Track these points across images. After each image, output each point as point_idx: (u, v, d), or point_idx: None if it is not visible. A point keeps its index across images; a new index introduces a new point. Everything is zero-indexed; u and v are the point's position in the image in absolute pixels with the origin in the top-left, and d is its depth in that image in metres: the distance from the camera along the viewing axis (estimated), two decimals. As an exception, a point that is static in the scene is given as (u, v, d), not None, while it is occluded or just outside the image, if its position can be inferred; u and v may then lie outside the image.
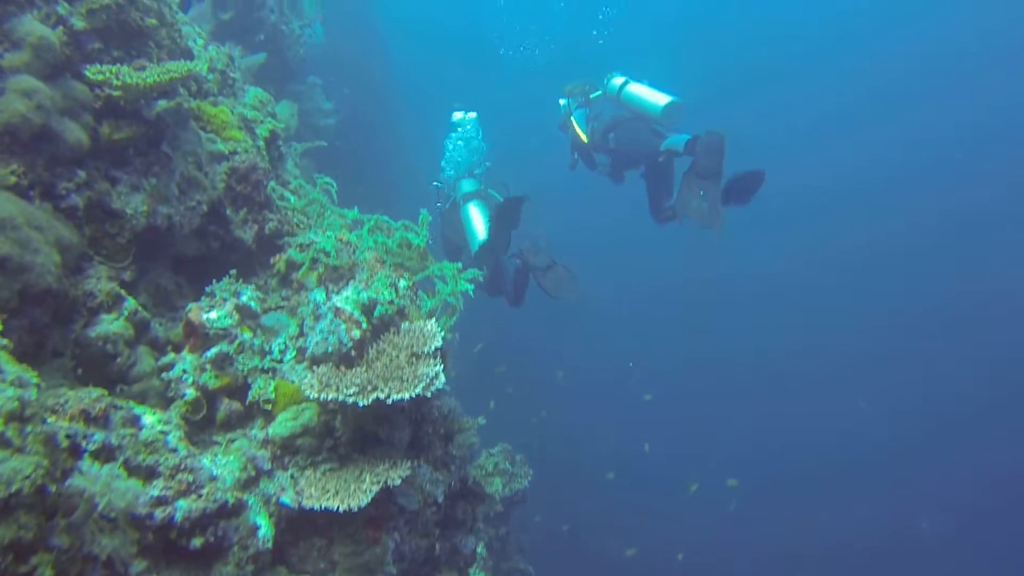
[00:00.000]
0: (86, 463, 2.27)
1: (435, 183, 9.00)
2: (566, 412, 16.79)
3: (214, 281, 3.40)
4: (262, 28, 8.04)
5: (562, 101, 8.16)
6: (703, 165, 6.35)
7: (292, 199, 4.45)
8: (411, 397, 2.93)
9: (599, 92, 7.91)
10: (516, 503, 9.91)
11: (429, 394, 2.99)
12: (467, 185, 8.08)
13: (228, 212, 3.87)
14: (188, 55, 4.23)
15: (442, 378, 3.06)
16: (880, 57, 27.45)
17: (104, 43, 3.48)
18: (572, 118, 7.89)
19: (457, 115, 9.28)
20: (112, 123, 3.31)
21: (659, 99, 7.05)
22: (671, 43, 25.09)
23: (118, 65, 3.28)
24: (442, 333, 3.26)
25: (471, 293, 3.71)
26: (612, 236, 23.33)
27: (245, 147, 4.10)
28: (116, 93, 3.31)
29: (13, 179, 2.89)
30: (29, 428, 1.76)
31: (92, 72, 3.19)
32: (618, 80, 7.49)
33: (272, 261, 3.85)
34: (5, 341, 2.10)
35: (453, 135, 9.04)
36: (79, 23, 3.36)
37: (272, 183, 4.03)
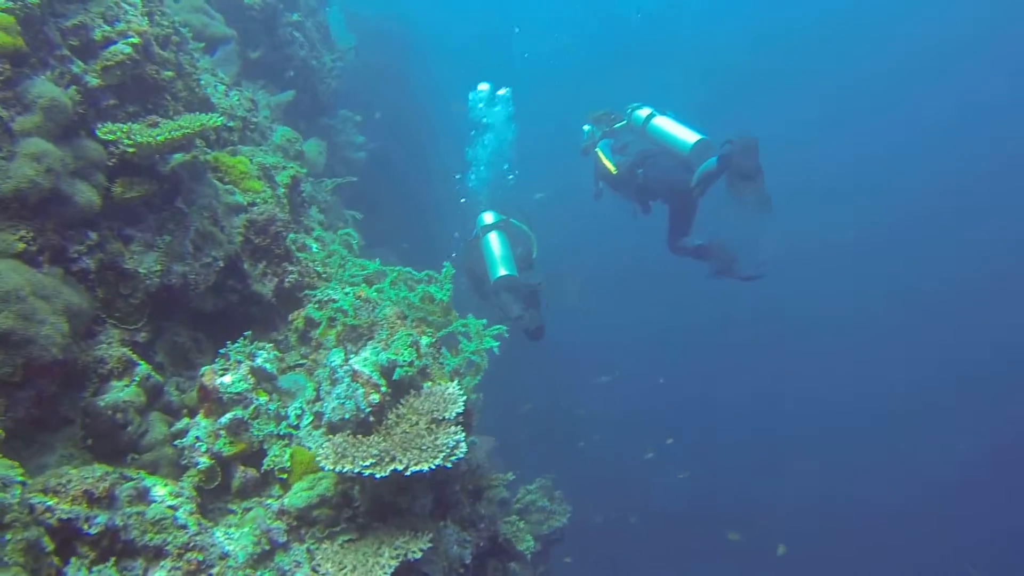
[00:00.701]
0: (72, 569, 2.18)
1: (461, 199, 9.28)
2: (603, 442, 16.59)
3: (228, 344, 3.32)
4: (291, 64, 8.08)
5: (586, 127, 8.22)
6: (744, 166, 6.44)
7: (315, 247, 4.40)
8: (431, 469, 2.81)
9: (623, 122, 7.89)
10: (554, 541, 9.69)
11: (449, 464, 2.86)
12: (488, 218, 8.14)
13: (246, 266, 3.82)
14: (207, 104, 4.21)
15: (463, 447, 2.93)
16: (870, 53, 28.16)
17: (119, 99, 3.46)
18: (598, 149, 7.88)
19: (482, 87, 9.57)
20: (124, 182, 3.28)
21: (687, 136, 7.08)
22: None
23: (129, 124, 3.26)
24: (463, 396, 3.14)
25: (496, 350, 3.59)
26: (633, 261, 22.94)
27: (264, 197, 4.05)
28: (129, 150, 3.28)
29: (21, 245, 2.86)
30: (8, 536, 1.67)
31: (103, 132, 3.17)
32: (643, 112, 7.48)
33: (291, 318, 3.78)
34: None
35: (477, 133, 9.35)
36: (94, 80, 3.35)
37: (291, 235, 3.96)
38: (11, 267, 2.70)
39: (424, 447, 2.90)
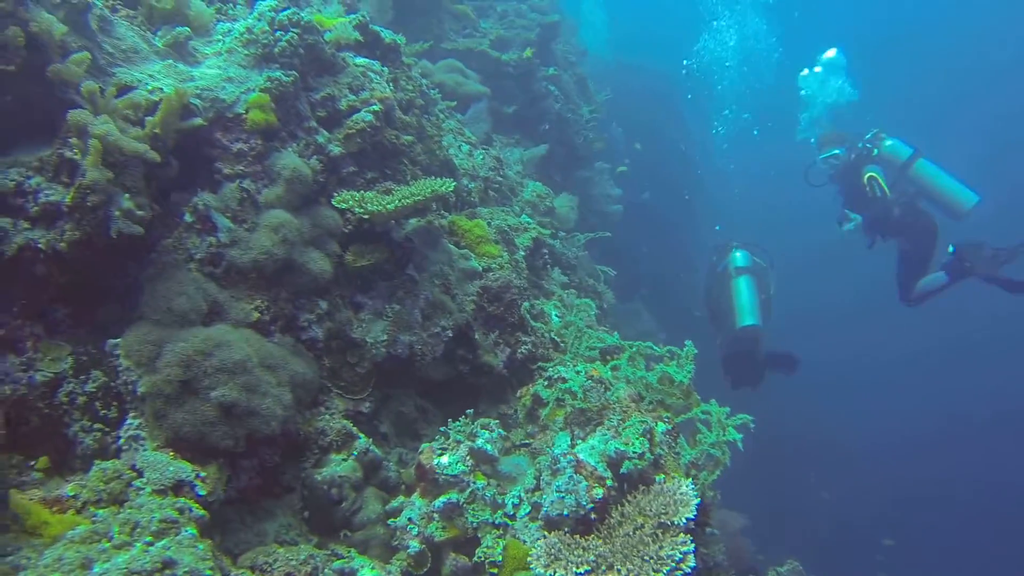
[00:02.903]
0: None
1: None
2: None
3: (450, 421, 3.29)
4: (546, 117, 8.28)
5: (837, 151, 8.20)
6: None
7: (555, 314, 4.32)
8: (652, 586, 2.53)
9: (875, 151, 8.02)
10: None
11: (676, 582, 2.56)
12: (741, 259, 8.49)
13: (477, 336, 3.81)
14: (448, 166, 4.33)
15: (691, 561, 2.61)
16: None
17: (359, 165, 3.64)
18: (874, 173, 7.70)
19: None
20: (356, 250, 3.41)
21: (966, 197, 7.47)
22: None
23: (363, 192, 3.39)
24: (697, 498, 2.82)
25: (740, 445, 3.23)
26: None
27: (500, 263, 4.05)
28: (367, 217, 3.41)
29: (256, 315, 3.05)
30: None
31: (338, 201, 3.33)
32: (890, 143, 7.83)
33: (520, 393, 3.69)
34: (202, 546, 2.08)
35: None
36: (336, 149, 3.55)
37: (527, 304, 3.90)
38: (243, 337, 2.87)
39: (647, 557, 2.62)
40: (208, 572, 1.96)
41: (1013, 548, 17.02)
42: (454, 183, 3.55)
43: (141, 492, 2.24)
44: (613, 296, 7.36)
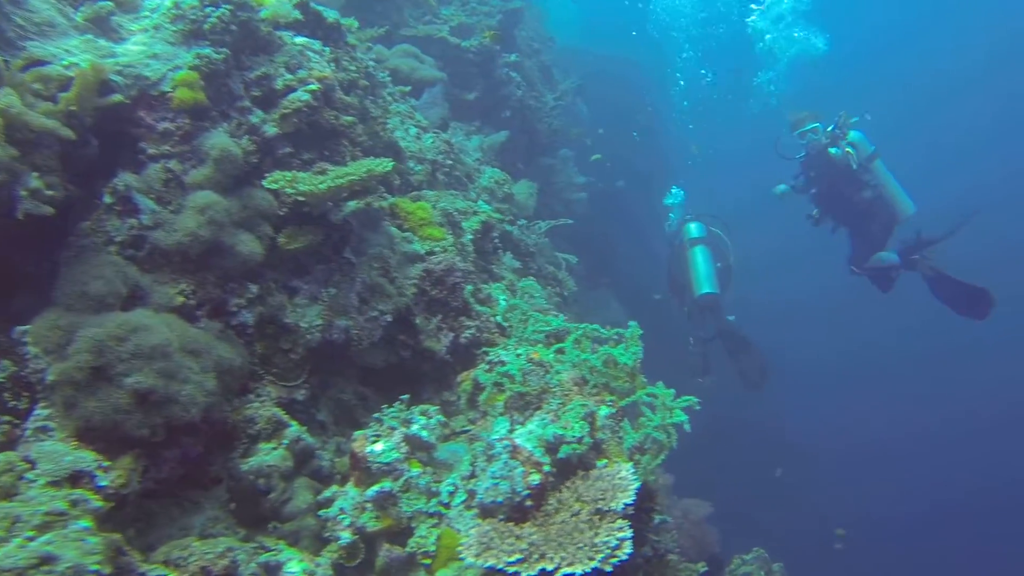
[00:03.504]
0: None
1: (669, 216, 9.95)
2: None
3: (384, 407, 3.19)
4: (508, 104, 8.17)
5: (816, 124, 8.31)
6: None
7: (503, 298, 4.22)
8: (584, 574, 2.45)
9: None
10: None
11: (609, 568, 2.48)
12: (695, 229, 8.83)
13: (418, 320, 3.71)
14: (392, 148, 4.22)
15: (627, 548, 2.53)
16: None
17: (295, 147, 3.52)
18: (849, 148, 7.98)
19: None
20: (289, 232, 3.30)
21: (908, 205, 8.05)
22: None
23: (295, 172, 3.27)
24: (637, 482, 2.74)
25: (687, 427, 3.15)
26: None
27: (444, 246, 3.95)
28: (301, 199, 3.29)
29: (181, 299, 2.94)
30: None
31: (269, 181, 3.21)
32: (859, 139, 8.05)
33: (459, 379, 3.60)
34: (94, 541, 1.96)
35: None
36: (271, 129, 3.43)
37: (470, 287, 3.80)
38: (164, 322, 2.75)
39: (581, 544, 2.54)
40: (94, 567, 1.84)
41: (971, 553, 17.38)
42: (392, 163, 3.44)
43: (33, 484, 2.11)
44: (574, 283, 7.28)
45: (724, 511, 9.38)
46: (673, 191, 10.12)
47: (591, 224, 11.84)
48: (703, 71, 15.27)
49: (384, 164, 3.42)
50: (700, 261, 8.53)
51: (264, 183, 3.21)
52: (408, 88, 5.96)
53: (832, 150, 7.79)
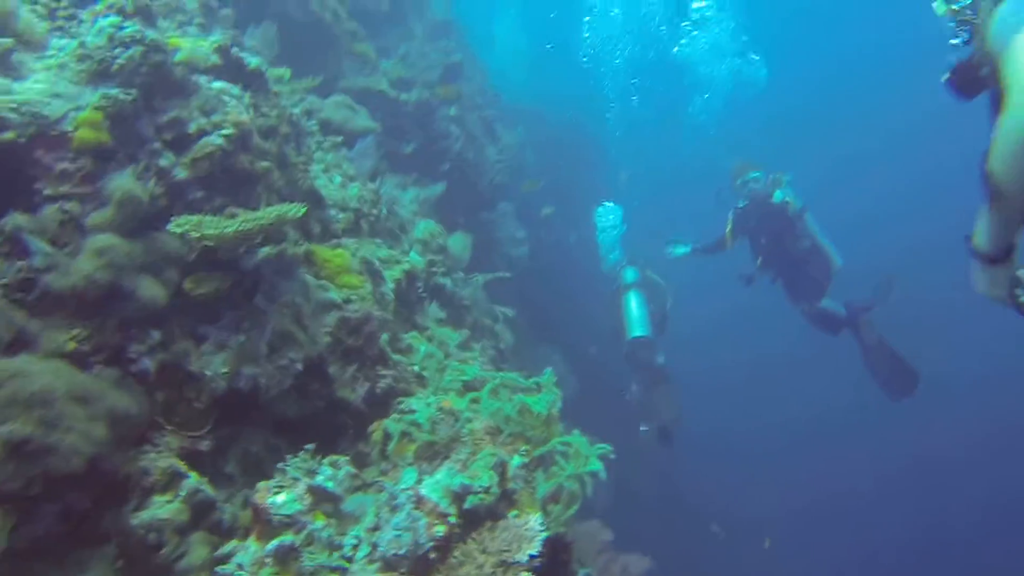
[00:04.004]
0: None
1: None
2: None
3: (289, 457, 3.07)
4: (446, 157, 8.19)
5: (757, 174, 8.57)
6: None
7: (424, 348, 4.14)
8: (484, 630, 2.34)
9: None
10: None
11: (512, 624, 2.38)
12: (630, 275, 9.13)
13: (332, 369, 3.61)
14: (312, 195, 4.17)
15: (531, 602, 2.44)
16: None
17: (207, 191, 3.44)
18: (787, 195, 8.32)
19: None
20: (196, 277, 3.20)
21: (837, 258, 8.36)
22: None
23: (202, 216, 3.18)
24: (543, 533, 2.66)
25: (603, 475, 3.09)
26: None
27: (362, 294, 3.88)
28: (209, 243, 3.20)
29: (72, 345, 2.80)
30: None
31: (174, 225, 3.11)
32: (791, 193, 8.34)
33: (371, 429, 3.49)
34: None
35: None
36: (182, 173, 3.35)
37: (385, 336, 3.72)
38: (50, 369, 2.62)
39: (482, 600, 2.44)
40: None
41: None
42: (304, 208, 3.37)
43: None
44: (512, 337, 7.23)
45: (665, 566, 9.28)
46: (605, 208, 10.41)
47: (539, 279, 11.88)
48: (633, 97, 15.58)
49: (296, 209, 3.35)
50: (633, 305, 8.70)
51: (169, 227, 3.11)
52: (340, 139, 5.93)
53: (777, 194, 7.98)
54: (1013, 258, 2.49)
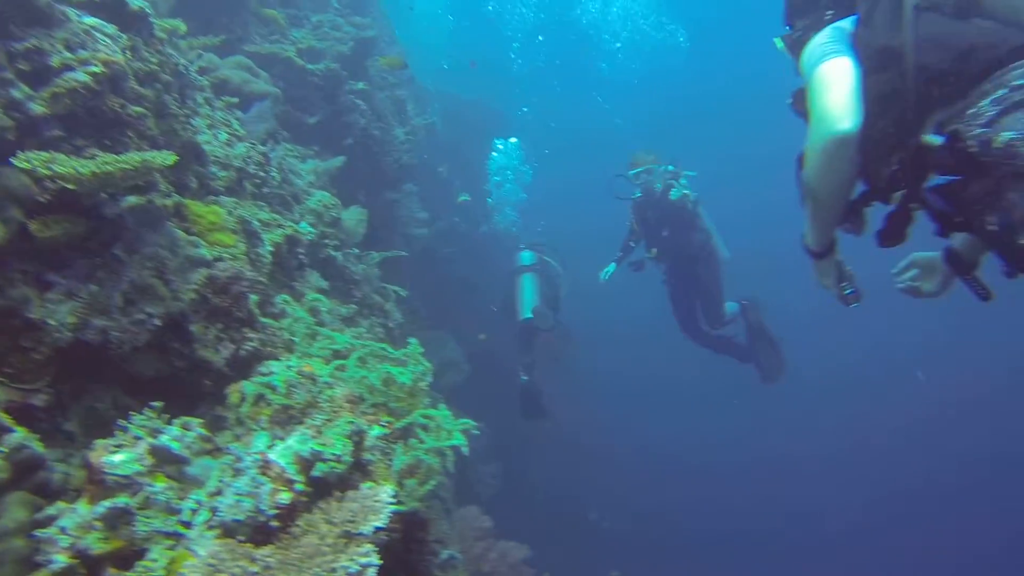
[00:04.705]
0: None
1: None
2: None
3: (132, 414, 2.86)
4: (351, 132, 7.95)
5: (651, 167, 8.65)
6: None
7: (300, 313, 3.96)
8: (316, 600, 2.21)
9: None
10: None
11: (348, 596, 2.25)
12: (526, 258, 9.40)
13: (194, 328, 3.39)
14: (190, 148, 3.93)
15: (370, 573, 2.32)
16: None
17: (68, 131, 3.18)
18: (685, 190, 8.35)
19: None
20: (44, 220, 2.94)
21: (725, 252, 8.53)
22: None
23: (53, 153, 2.92)
24: (391, 505, 2.54)
25: (465, 450, 2.99)
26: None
27: (235, 253, 3.67)
28: (66, 185, 2.95)
29: None
30: None
31: (20, 160, 2.85)
32: (689, 185, 8.39)
33: (228, 391, 3.29)
34: None
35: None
36: (38, 108, 3.07)
37: (255, 297, 3.53)
38: None
39: (318, 569, 2.30)
40: None
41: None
42: (174, 156, 3.15)
43: None
44: (402, 316, 7.08)
45: (546, 555, 9.32)
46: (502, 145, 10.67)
47: (446, 265, 11.76)
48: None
49: (165, 157, 3.13)
50: (527, 288, 9.01)
51: (14, 161, 2.85)
52: (236, 100, 5.65)
53: (673, 192, 8.04)
54: (835, 251, 2.89)
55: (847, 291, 2.95)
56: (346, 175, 7.52)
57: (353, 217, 6.44)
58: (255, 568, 2.30)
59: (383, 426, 3.00)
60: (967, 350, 25.47)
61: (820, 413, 23.95)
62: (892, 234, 2.61)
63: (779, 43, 3.04)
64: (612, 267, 8.98)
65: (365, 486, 2.76)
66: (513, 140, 10.69)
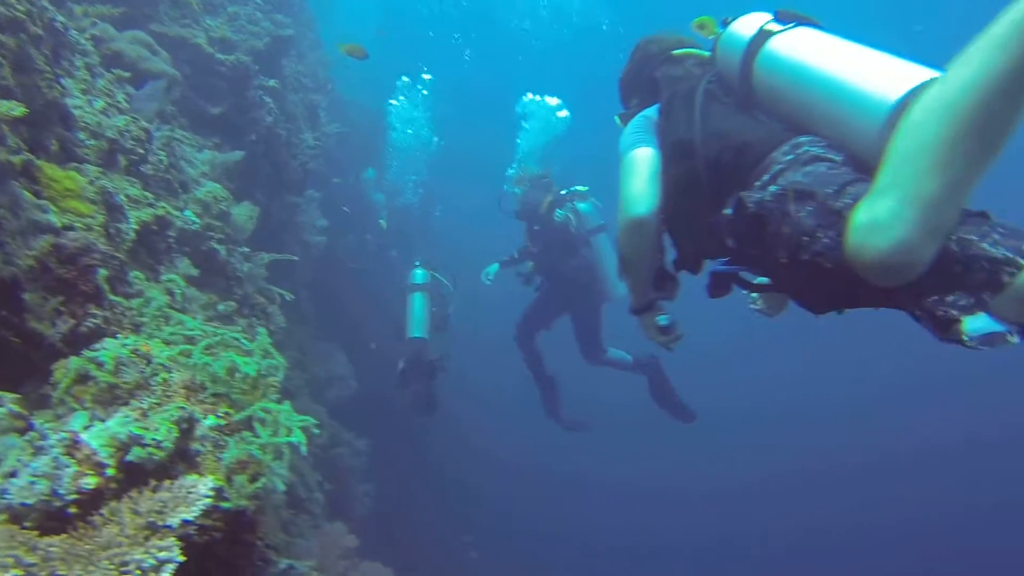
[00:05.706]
0: None
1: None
2: None
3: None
4: (255, 129, 7.64)
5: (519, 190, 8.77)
6: None
7: (152, 295, 3.67)
8: (99, 596, 1.95)
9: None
10: None
11: (137, 595, 2.00)
12: (418, 276, 9.35)
13: (28, 297, 3.07)
14: (54, 107, 3.63)
15: (169, 570, 2.07)
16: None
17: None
18: (568, 213, 8.11)
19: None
20: None
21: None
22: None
23: None
24: (208, 499, 2.31)
25: (304, 448, 2.78)
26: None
27: (89, 224, 3.37)
28: None
29: None
30: None
31: None
32: (588, 210, 8.16)
33: (53, 367, 2.99)
34: None
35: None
36: None
37: (104, 271, 3.24)
38: None
39: (109, 563, 2.05)
40: None
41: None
42: (23, 108, 2.87)
43: None
44: (284, 321, 6.77)
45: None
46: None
47: (349, 279, 11.45)
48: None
49: (11, 106, 2.84)
50: (416, 306, 9.07)
51: None
52: (128, 75, 5.32)
53: (558, 213, 7.95)
54: (655, 308, 3.08)
55: (671, 345, 3.15)
56: (246, 172, 7.20)
57: (243, 213, 6.14)
58: (32, 559, 2.02)
59: (219, 417, 2.76)
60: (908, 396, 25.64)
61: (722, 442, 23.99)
62: (716, 290, 2.76)
63: (617, 120, 3.29)
64: (495, 267, 8.74)
65: (187, 478, 2.51)
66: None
